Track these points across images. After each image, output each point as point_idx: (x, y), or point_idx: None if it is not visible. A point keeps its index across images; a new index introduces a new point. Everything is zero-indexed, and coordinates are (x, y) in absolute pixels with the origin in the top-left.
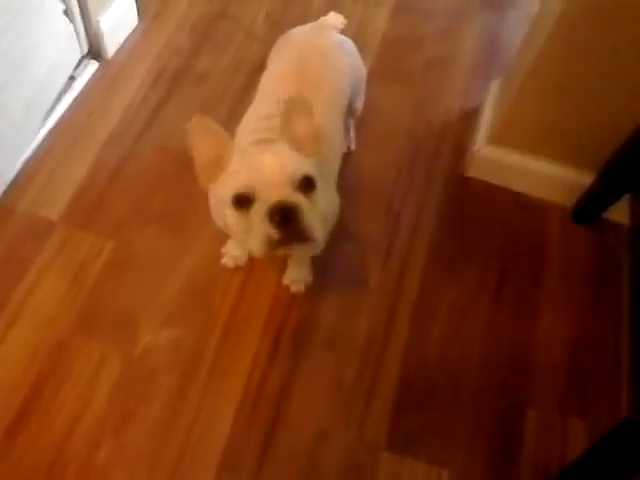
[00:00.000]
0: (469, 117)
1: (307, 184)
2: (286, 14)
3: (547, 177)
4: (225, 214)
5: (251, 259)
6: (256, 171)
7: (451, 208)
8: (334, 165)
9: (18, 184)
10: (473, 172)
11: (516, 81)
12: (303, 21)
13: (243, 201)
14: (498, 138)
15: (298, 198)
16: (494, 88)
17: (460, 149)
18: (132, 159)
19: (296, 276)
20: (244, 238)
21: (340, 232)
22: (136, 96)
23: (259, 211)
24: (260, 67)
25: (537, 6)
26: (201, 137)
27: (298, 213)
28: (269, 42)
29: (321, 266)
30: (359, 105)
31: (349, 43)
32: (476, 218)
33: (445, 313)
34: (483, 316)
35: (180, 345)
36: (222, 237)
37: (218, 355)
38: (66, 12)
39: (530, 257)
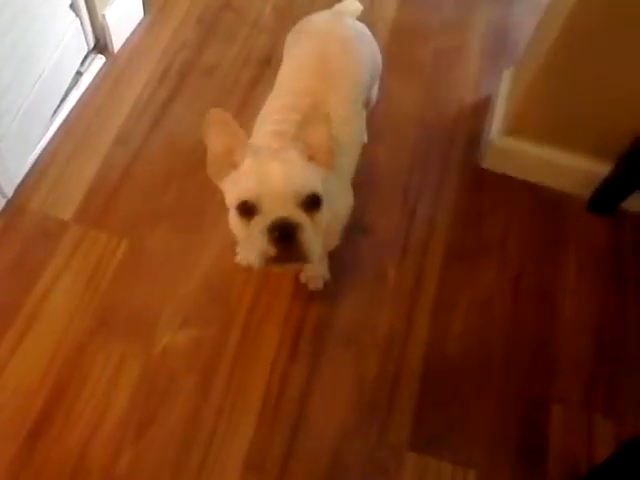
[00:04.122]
0: (481, 107)
1: (312, 202)
2: (293, 5)
3: (563, 167)
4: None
5: None
6: (263, 180)
7: (467, 200)
8: (352, 160)
9: (28, 184)
10: (488, 163)
11: (530, 70)
12: (310, 12)
13: (247, 210)
14: (513, 129)
15: (301, 216)
16: (506, 78)
17: (474, 140)
18: (142, 156)
19: (313, 273)
20: (243, 245)
21: (356, 226)
22: (144, 91)
23: (259, 224)
24: (268, 59)
25: None
26: (217, 130)
27: (298, 232)
28: (276, 33)
29: (338, 262)
30: (374, 94)
31: (367, 31)
32: (492, 211)
33: (465, 308)
34: (503, 310)
35: (199, 344)
36: None
37: (238, 354)
38: (72, 6)
39: (548, 249)
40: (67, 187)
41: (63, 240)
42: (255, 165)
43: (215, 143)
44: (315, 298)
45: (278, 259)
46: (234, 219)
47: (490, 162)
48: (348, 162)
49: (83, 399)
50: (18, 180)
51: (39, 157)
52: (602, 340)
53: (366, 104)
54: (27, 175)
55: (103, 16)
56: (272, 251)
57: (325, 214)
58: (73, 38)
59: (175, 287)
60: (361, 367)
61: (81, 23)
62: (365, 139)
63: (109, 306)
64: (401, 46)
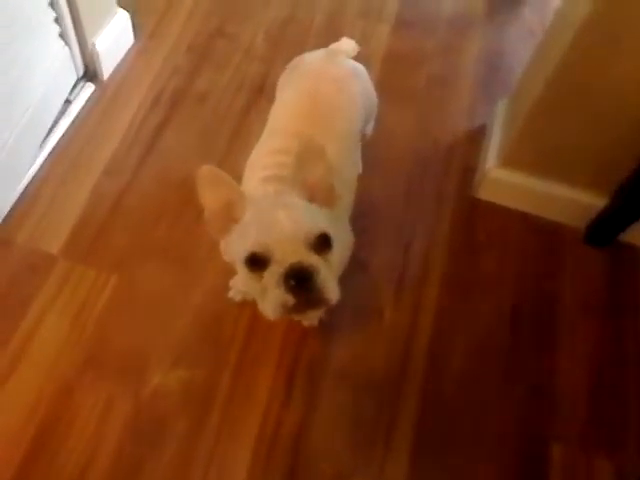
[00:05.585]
0: (476, 136)
1: (323, 242)
2: (285, 33)
3: (560, 199)
4: (237, 268)
5: None
6: (270, 229)
7: (462, 233)
8: (349, 200)
9: (15, 215)
10: (483, 194)
11: (526, 102)
12: (303, 40)
13: (257, 262)
14: (509, 160)
15: (314, 259)
16: (501, 107)
17: (469, 169)
18: (132, 188)
19: None
20: (257, 299)
21: (351, 262)
22: (134, 119)
23: (274, 275)
24: (261, 86)
25: (546, 21)
26: (210, 187)
27: (314, 275)
28: (269, 61)
29: None
30: (369, 131)
31: (362, 69)
32: (488, 243)
33: (462, 346)
34: (500, 345)
35: (190, 386)
36: (229, 270)
37: (230, 396)
38: (61, 35)
39: (545, 281)
40: (55, 219)
41: (50, 275)
42: (258, 215)
43: (211, 201)
44: (309, 336)
45: (297, 307)
46: (244, 274)
47: (485, 193)
48: (346, 200)
49: (69, 444)
50: (4, 212)
51: (27, 188)
52: (601, 374)
53: (361, 139)
54: (14, 207)
55: (93, 44)
56: (291, 300)
57: (336, 253)
58: (62, 66)
59: (166, 325)
60: (357, 407)
61: (70, 51)
62: (360, 169)
63: (97, 345)
64: (394, 73)
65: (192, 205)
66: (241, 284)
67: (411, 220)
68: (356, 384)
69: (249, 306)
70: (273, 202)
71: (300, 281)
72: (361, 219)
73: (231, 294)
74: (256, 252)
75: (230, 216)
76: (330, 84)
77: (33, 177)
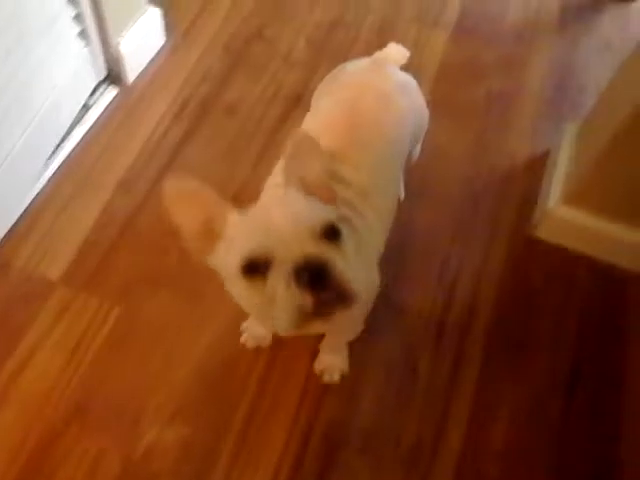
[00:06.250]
0: (538, 164)
1: (332, 233)
2: (330, 39)
3: (632, 245)
4: (233, 291)
5: (276, 339)
6: (266, 228)
7: (516, 277)
8: (381, 237)
9: (15, 235)
10: (543, 233)
11: (603, 132)
12: (348, 48)
13: (256, 268)
14: (576, 197)
15: (325, 249)
16: (570, 132)
17: (527, 202)
18: (145, 207)
19: (330, 363)
20: (265, 315)
21: (382, 304)
22: (156, 130)
23: (280, 276)
24: (298, 97)
25: (627, 32)
26: (182, 203)
27: (329, 267)
28: (309, 69)
29: (358, 349)
30: (416, 153)
31: (412, 82)
32: (546, 290)
33: (508, 415)
34: (553, 419)
35: (189, 446)
36: (244, 311)
37: (234, 461)
38: (81, 34)
39: (610, 341)
40: (58, 242)
41: (47, 304)
42: (250, 219)
43: (187, 219)
44: (329, 394)
45: (317, 308)
46: (241, 288)
47: (545, 231)
48: (376, 239)
49: None
50: (3, 231)
51: (31, 204)
52: None
53: (406, 162)
54: (15, 225)
55: (117, 44)
56: (308, 299)
57: (351, 243)
58: (81, 69)
59: (168, 371)
60: None
61: (91, 52)
62: (402, 195)
63: (90, 388)
64: (449, 88)
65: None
66: (241, 297)
67: (457, 256)
68: (379, 456)
69: (263, 355)
70: (266, 204)
71: (314, 274)
72: (399, 252)
73: (243, 339)
74: (253, 257)
75: (212, 233)
76: (373, 98)
77: (38, 192)
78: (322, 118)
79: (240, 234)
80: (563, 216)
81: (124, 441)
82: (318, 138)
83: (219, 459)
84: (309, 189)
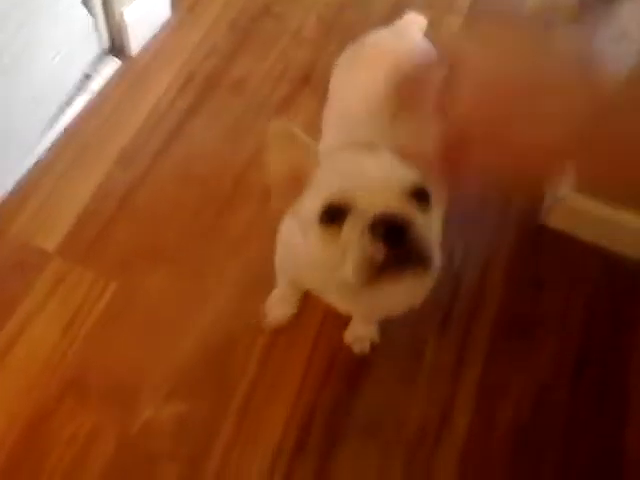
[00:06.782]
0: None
1: (420, 196)
2: (341, 17)
3: None
4: (305, 243)
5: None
6: (353, 175)
7: (524, 265)
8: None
9: (10, 205)
10: (553, 221)
11: (618, 114)
12: (361, 27)
13: (335, 214)
14: (590, 186)
15: (410, 210)
16: None
17: (538, 190)
18: (145, 182)
19: (362, 333)
20: (333, 269)
21: None
22: (160, 103)
23: (357, 225)
24: (307, 76)
25: None
26: (281, 147)
27: (410, 227)
28: (320, 47)
29: None
30: None
31: (434, 52)
32: (553, 278)
33: (514, 401)
34: (560, 404)
35: (187, 424)
36: (246, 289)
37: (233, 438)
38: (84, 2)
39: (619, 331)
40: (55, 212)
41: (42, 275)
42: (337, 165)
43: (279, 163)
44: (332, 376)
45: (387, 264)
46: (316, 238)
47: (556, 220)
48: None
49: None
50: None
51: (27, 173)
52: None
53: None
54: (10, 194)
55: (121, 14)
56: (379, 252)
57: (436, 215)
58: (83, 37)
59: (166, 347)
60: (382, 466)
61: (94, 21)
62: None
63: (86, 363)
64: None
65: (211, 207)
66: (311, 251)
67: (463, 245)
68: (384, 437)
69: (265, 334)
70: (356, 152)
71: (390, 231)
72: None
73: (268, 320)
74: (335, 201)
75: (299, 182)
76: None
77: (36, 161)
78: (362, 93)
79: (325, 179)
80: (576, 204)
81: (118, 420)
82: (368, 112)
83: (217, 439)
84: (403, 157)
